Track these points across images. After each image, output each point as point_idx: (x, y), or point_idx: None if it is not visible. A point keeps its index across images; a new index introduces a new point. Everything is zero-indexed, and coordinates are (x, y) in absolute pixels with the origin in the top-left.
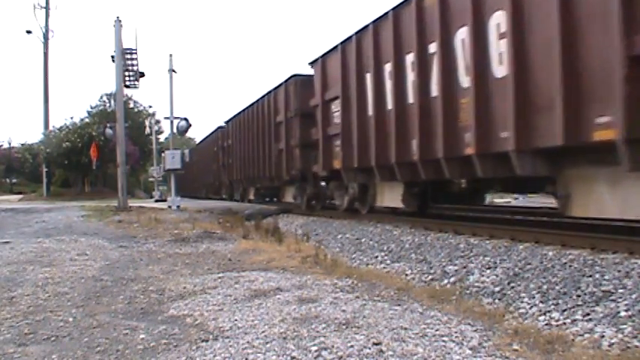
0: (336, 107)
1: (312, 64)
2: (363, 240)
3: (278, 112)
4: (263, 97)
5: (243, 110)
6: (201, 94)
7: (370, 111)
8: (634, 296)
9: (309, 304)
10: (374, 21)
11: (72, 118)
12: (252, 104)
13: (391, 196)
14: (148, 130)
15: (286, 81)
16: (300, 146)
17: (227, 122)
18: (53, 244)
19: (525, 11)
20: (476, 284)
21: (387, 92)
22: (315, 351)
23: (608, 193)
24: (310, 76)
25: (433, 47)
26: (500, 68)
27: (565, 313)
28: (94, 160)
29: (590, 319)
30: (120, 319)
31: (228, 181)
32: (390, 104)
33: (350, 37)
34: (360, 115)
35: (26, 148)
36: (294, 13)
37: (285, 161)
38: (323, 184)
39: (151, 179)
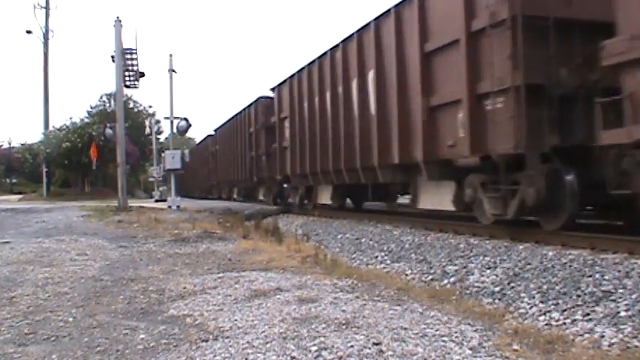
0: None
1: None
2: (363, 240)
3: (429, 36)
4: (363, 27)
5: (314, 61)
6: (201, 94)
7: None
8: (634, 296)
9: (309, 304)
10: None
11: (71, 118)
12: (335, 46)
13: None
14: (147, 130)
15: None
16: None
17: (274, 88)
18: (53, 244)
19: None
20: (476, 284)
21: None
22: (315, 351)
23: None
24: None
25: None
26: None
27: (565, 313)
28: (94, 160)
29: (590, 319)
30: (120, 319)
31: (279, 177)
32: None
33: None
34: None
35: (26, 148)
36: (293, 13)
37: (469, 130)
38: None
39: (151, 179)
